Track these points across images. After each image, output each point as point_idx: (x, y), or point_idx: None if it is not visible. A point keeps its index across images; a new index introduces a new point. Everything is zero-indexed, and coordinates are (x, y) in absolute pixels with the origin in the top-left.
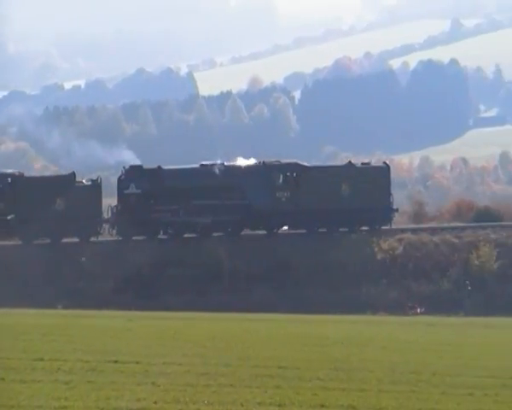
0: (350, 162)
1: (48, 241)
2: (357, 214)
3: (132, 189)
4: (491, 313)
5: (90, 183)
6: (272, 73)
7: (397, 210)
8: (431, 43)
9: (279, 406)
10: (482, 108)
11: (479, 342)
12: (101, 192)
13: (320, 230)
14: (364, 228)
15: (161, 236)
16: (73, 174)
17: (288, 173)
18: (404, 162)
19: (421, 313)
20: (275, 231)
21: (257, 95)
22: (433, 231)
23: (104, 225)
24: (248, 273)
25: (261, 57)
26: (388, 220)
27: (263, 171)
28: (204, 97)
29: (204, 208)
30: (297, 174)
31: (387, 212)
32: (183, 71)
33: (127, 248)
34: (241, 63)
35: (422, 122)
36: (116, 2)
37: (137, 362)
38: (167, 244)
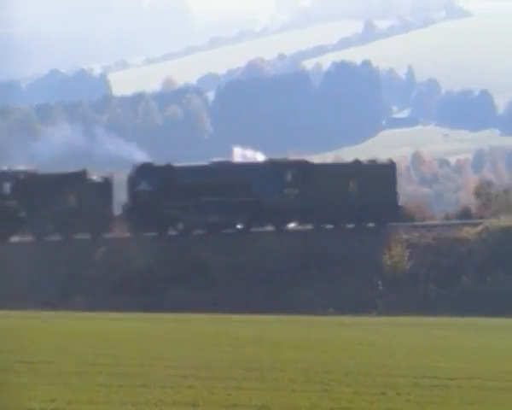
0: (357, 160)
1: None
2: (364, 211)
3: (144, 186)
4: (404, 312)
5: (100, 179)
6: (186, 73)
7: (402, 207)
8: (344, 44)
9: (193, 406)
10: (394, 108)
11: (391, 341)
12: (112, 189)
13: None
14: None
15: (171, 232)
16: (85, 171)
17: (297, 171)
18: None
19: (333, 313)
20: (283, 227)
21: (170, 96)
22: None
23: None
24: (163, 274)
25: (175, 58)
26: (394, 217)
27: (271, 168)
28: (117, 98)
29: (214, 205)
30: (305, 172)
31: (394, 209)
32: (97, 72)
33: None
34: (155, 64)
35: (335, 122)
36: (29, 3)
37: (50, 362)
38: (82, 245)
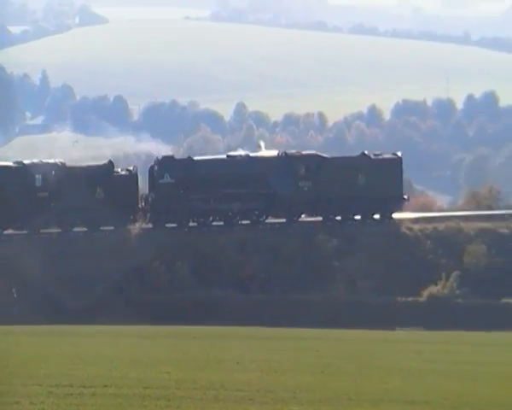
0: (364, 153)
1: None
2: (371, 203)
3: (167, 178)
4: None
5: (126, 172)
6: None
7: (408, 199)
8: None
9: None
10: (29, 115)
11: (29, 350)
12: (137, 181)
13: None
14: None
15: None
16: (112, 164)
17: (310, 164)
18: None
19: None
20: (295, 218)
21: None
22: None
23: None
24: None
25: None
26: (399, 208)
27: (286, 162)
28: None
29: (232, 197)
30: (317, 165)
31: (399, 200)
32: None
33: None
34: None
35: None
36: None
37: None
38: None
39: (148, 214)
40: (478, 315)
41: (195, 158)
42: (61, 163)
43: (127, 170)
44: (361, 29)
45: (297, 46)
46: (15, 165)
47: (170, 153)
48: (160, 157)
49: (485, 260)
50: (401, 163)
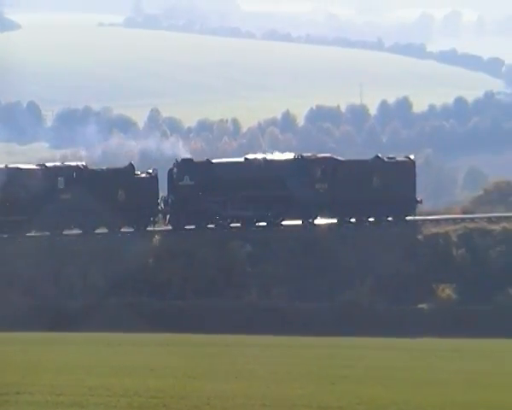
0: (377, 156)
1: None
2: (386, 205)
3: (187, 181)
4: None
5: (146, 175)
6: None
7: (421, 202)
8: None
9: None
10: None
11: None
12: (157, 183)
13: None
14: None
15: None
16: (132, 166)
17: (326, 166)
18: None
19: None
20: (310, 221)
21: None
22: None
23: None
24: None
25: None
26: (412, 211)
27: (303, 164)
28: None
29: (250, 199)
30: (333, 167)
31: (412, 203)
32: None
33: None
34: None
35: None
36: None
37: None
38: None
39: (168, 216)
40: (391, 320)
41: (214, 161)
42: (83, 166)
43: (147, 172)
44: (274, 35)
45: (211, 52)
46: (38, 167)
47: (83, 160)
48: (179, 160)
49: (399, 266)
50: (414, 166)
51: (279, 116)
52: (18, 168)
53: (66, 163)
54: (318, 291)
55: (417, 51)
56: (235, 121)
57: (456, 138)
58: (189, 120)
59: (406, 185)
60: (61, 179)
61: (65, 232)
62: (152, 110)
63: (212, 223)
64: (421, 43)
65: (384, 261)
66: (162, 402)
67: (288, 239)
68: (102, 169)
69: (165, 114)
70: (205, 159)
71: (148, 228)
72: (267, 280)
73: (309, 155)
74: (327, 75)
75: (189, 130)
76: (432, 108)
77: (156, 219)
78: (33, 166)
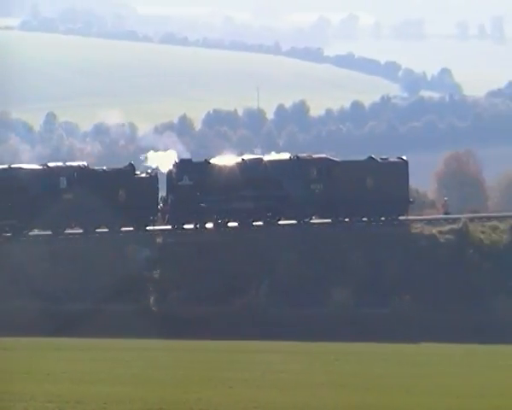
0: (371, 157)
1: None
2: (379, 205)
3: (186, 181)
4: None
5: (146, 175)
6: None
7: (413, 202)
8: None
9: None
10: None
11: None
12: (158, 183)
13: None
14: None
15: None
16: (133, 166)
17: (321, 167)
18: None
19: None
20: (306, 220)
21: None
22: None
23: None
24: None
25: None
26: (404, 211)
27: (298, 165)
28: None
29: (246, 199)
30: (328, 168)
31: (405, 203)
32: None
33: None
34: None
35: None
36: None
37: None
38: None
39: (167, 215)
40: (289, 324)
41: (212, 161)
42: (85, 166)
43: (147, 173)
44: (171, 39)
45: (107, 56)
46: (40, 167)
47: None
48: (177, 160)
49: (298, 270)
50: (407, 166)
51: (176, 120)
52: (20, 168)
53: (68, 163)
54: (215, 295)
55: (314, 55)
56: (131, 125)
57: (352, 142)
58: (85, 125)
59: (399, 186)
60: (62, 179)
61: (64, 232)
62: (48, 114)
63: (210, 222)
64: (319, 47)
65: (283, 263)
66: (58, 407)
67: (184, 244)
68: (103, 169)
69: (61, 118)
70: (203, 159)
71: (148, 227)
72: (164, 284)
73: (304, 155)
74: (224, 79)
75: (85, 134)
76: (329, 111)
77: (155, 219)
78: (36, 166)
